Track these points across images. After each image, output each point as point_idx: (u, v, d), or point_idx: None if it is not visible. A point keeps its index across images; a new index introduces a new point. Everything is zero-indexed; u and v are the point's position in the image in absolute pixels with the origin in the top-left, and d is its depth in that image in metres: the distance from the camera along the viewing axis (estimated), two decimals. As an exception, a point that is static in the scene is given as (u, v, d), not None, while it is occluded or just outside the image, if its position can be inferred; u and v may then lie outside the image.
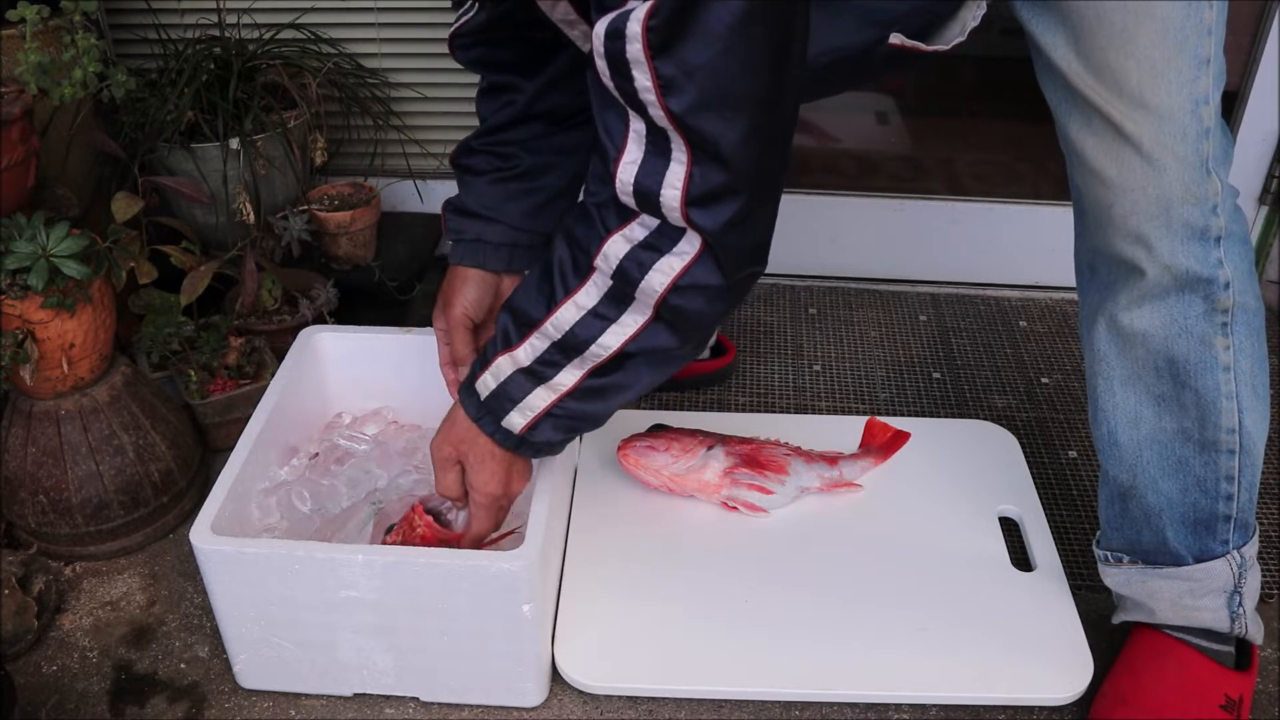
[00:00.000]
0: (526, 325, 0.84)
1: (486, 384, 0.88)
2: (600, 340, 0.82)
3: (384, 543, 0.99)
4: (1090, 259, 0.92)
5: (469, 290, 0.99)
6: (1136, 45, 0.79)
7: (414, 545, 0.95)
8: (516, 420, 0.87)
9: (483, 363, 0.88)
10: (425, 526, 0.96)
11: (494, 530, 0.97)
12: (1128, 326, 0.88)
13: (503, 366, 0.87)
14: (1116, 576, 0.98)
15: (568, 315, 0.82)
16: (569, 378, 0.84)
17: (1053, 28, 0.83)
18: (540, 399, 0.86)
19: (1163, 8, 0.78)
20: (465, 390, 0.91)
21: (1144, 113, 0.81)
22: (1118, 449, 0.93)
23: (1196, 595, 0.94)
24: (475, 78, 0.99)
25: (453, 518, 0.98)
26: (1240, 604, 0.94)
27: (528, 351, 0.85)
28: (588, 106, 0.76)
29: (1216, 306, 0.86)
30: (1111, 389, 0.92)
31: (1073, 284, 1.55)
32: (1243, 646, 0.97)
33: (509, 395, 0.87)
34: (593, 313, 0.81)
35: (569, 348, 0.83)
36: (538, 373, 0.85)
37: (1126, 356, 0.90)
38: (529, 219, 0.99)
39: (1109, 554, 0.99)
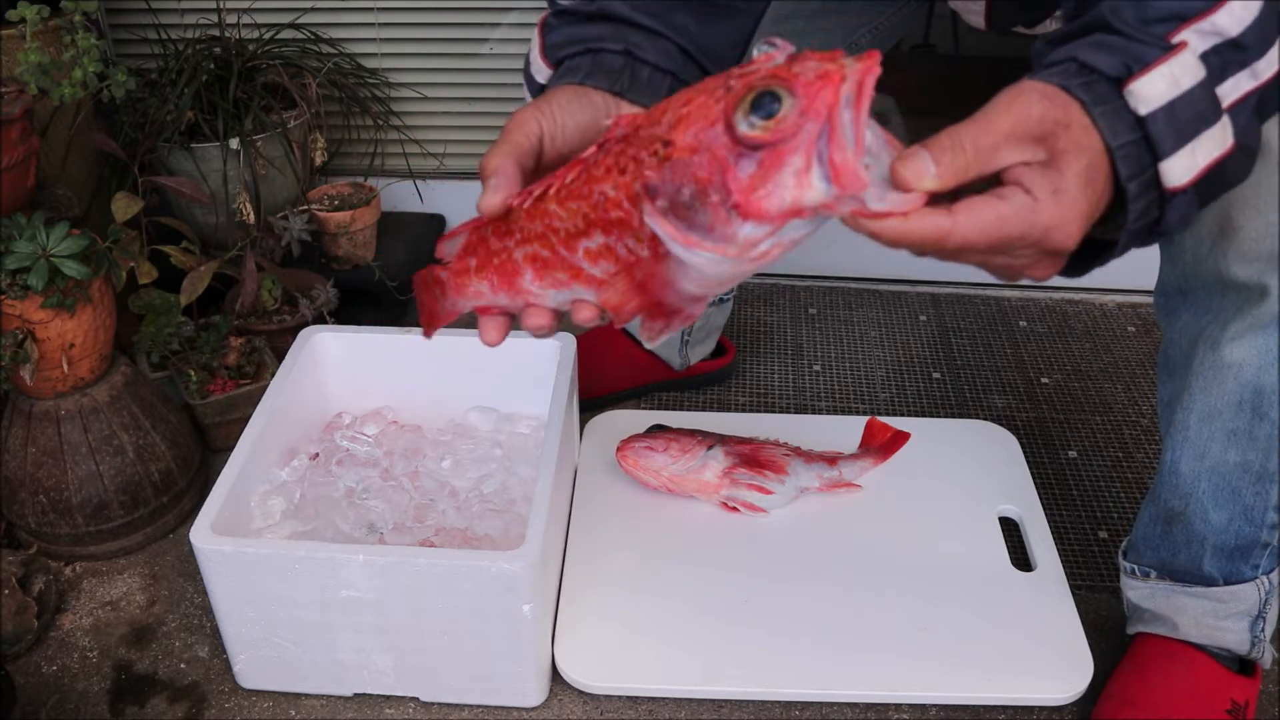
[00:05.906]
0: (1177, 18, 0.56)
1: (1156, 89, 0.54)
2: None
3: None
4: (1183, 284, 0.87)
5: (581, 113, 0.63)
6: None
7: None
8: (1184, 166, 0.55)
9: (1137, 60, 0.55)
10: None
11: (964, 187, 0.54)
12: (1227, 356, 0.83)
13: (1185, 68, 0.55)
14: (1140, 590, 0.97)
15: None
16: (1243, 85, 0.56)
17: None
18: (1221, 135, 0.55)
19: None
20: (1090, 90, 0.55)
21: None
22: (1177, 477, 0.91)
23: (1221, 616, 0.93)
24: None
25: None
26: (1262, 629, 0.94)
27: (1201, 45, 0.54)
28: None
29: None
30: (1188, 423, 0.89)
31: (1073, 284, 1.54)
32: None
33: (1200, 114, 0.55)
34: None
35: (1250, 44, 0.55)
36: (1217, 87, 0.55)
37: (1211, 391, 0.86)
38: (705, 38, 0.66)
39: (1137, 567, 0.97)
